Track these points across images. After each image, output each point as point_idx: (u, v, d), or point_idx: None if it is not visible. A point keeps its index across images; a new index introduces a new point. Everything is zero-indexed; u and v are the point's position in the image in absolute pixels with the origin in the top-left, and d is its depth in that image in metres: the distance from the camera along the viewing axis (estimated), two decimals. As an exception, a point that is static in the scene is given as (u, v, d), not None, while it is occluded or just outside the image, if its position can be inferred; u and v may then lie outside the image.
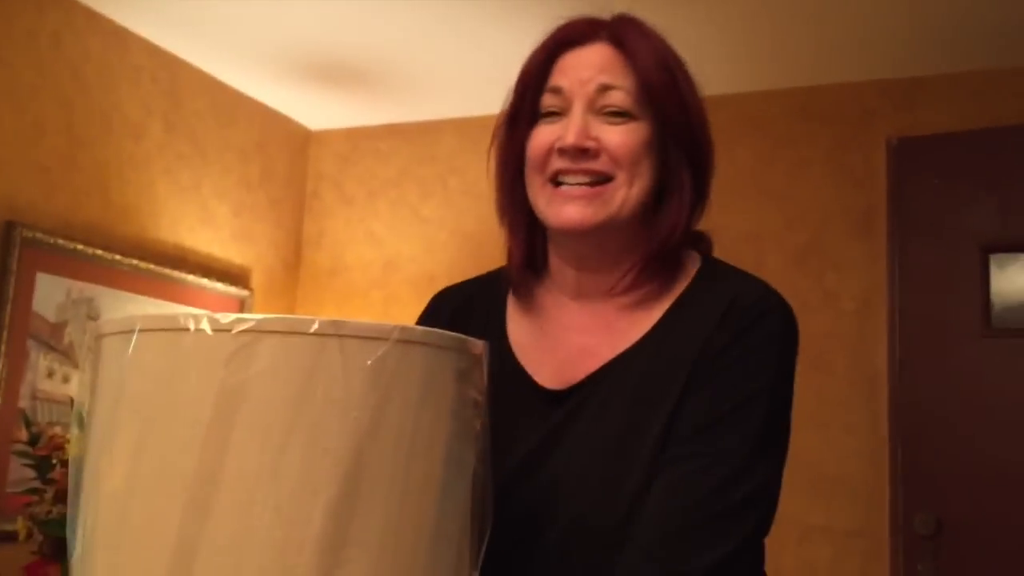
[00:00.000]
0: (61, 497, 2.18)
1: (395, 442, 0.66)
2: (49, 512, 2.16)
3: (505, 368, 1.00)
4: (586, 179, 0.95)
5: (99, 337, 0.73)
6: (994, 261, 2.81)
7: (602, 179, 0.95)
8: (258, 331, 0.65)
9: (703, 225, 1.04)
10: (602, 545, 0.90)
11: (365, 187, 3.62)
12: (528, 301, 1.05)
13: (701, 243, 1.04)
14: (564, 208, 0.95)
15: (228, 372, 0.64)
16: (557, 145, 0.95)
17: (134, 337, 0.67)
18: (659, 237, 0.97)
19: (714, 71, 3.04)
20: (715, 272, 1.01)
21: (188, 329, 0.65)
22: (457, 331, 0.76)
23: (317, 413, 0.64)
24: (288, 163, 3.61)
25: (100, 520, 0.68)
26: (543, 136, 0.97)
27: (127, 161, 2.91)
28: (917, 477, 2.76)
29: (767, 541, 0.94)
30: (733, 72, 3.04)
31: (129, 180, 2.91)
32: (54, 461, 2.22)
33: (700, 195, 1.00)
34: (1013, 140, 2.83)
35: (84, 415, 0.73)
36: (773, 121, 3.13)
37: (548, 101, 0.97)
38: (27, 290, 2.49)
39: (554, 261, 1.04)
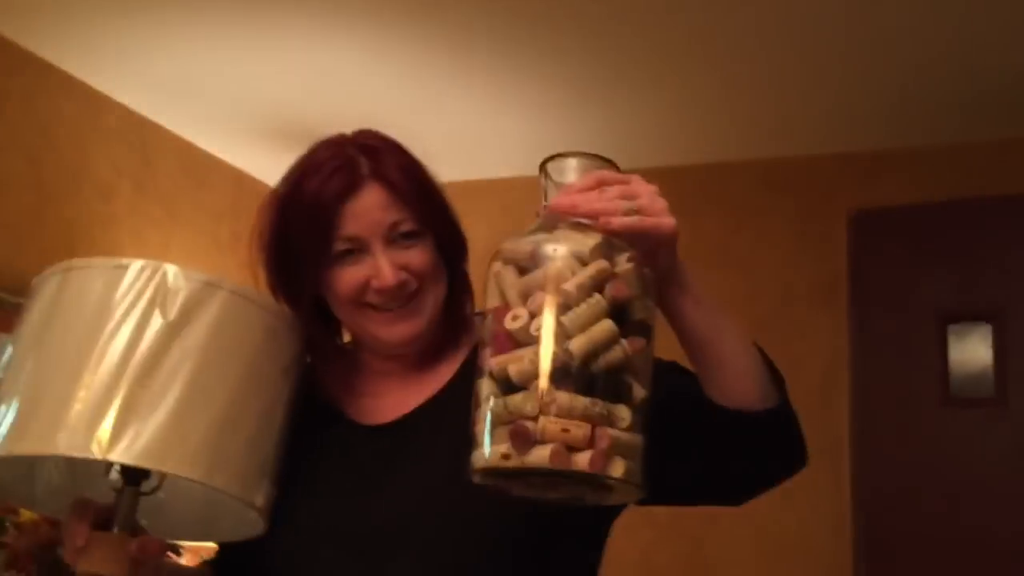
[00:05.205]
0: (13, 562, 2.14)
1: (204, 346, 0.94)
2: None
3: (318, 408, 1.11)
4: (401, 302, 1.06)
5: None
6: (952, 331, 2.86)
7: (414, 294, 1.07)
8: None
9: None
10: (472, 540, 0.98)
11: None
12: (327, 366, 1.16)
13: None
14: (393, 328, 1.07)
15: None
16: (376, 285, 1.05)
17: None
18: (451, 314, 1.11)
19: (678, 143, 3.11)
20: None
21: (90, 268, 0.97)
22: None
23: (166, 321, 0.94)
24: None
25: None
26: (352, 276, 1.06)
27: (96, 220, 2.91)
28: (879, 545, 2.77)
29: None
30: (697, 144, 3.11)
31: (96, 240, 2.91)
32: (6, 523, 2.18)
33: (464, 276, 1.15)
34: (970, 213, 2.90)
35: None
36: (737, 192, 3.18)
37: (343, 246, 1.06)
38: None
39: (362, 354, 1.15)
